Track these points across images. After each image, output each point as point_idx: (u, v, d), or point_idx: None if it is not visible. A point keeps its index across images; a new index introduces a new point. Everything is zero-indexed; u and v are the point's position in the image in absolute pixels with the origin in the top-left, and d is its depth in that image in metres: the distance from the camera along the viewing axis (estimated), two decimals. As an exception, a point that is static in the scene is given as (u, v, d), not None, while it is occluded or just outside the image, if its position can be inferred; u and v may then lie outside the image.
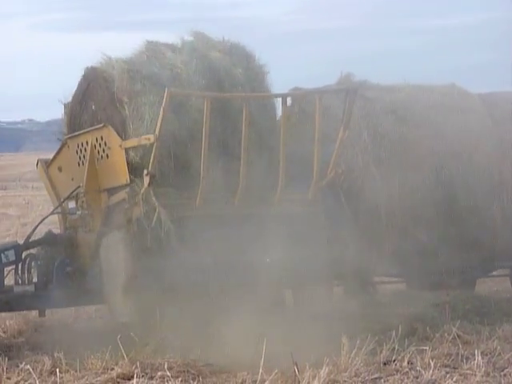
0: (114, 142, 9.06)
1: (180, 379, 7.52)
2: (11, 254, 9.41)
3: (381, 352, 8.12)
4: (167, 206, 8.81)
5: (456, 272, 10.59)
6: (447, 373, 7.64)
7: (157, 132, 8.61)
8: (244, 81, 9.72)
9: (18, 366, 7.93)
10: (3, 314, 10.02)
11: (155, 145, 8.60)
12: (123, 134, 9.05)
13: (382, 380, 7.54)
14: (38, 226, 10.25)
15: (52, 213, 10.24)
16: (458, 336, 8.96)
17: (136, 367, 7.71)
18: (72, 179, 9.77)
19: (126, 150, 8.95)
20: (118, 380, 7.68)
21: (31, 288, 9.41)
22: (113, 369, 7.87)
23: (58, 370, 7.51)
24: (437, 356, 8.14)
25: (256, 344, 7.67)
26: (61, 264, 9.41)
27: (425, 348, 8.25)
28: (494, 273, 11.89)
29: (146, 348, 8.36)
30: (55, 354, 8.21)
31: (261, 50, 9.99)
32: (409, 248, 10.43)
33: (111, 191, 9.30)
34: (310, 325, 8.92)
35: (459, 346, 8.68)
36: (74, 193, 9.58)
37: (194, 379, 7.59)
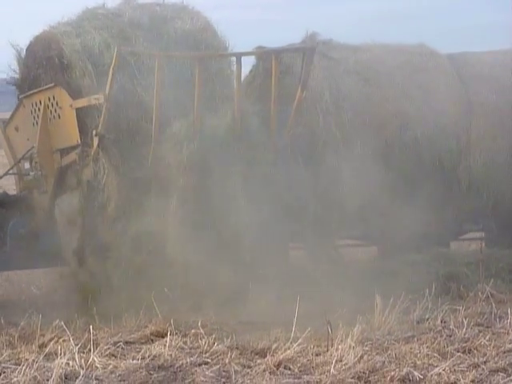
0: (64, 102, 8.92)
1: (213, 336, 7.49)
2: None
3: (414, 311, 8.11)
4: (118, 167, 8.71)
5: (421, 235, 10.07)
6: (480, 331, 7.58)
7: (106, 92, 8.44)
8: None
9: (51, 323, 7.97)
10: (38, 271, 10.15)
11: (105, 105, 8.46)
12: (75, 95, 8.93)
13: (415, 338, 7.46)
14: (-8, 187, 10.16)
15: (6, 173, 10.03)
16: (491, 295, 8.92)
17: (170, 325, 7.72)
18: (27, 139, 9.62)
19: (78, 110, 8.82)
20: (152, 337, 7.67)
21: None
22: (146, 326, 7.91)
23: (91, 326, 7.53)
24: (470, 315, 8.13)
25: (290, 303, 7.72)
26: (15, 225, 9.22)
27: (458, 307, 8.25)
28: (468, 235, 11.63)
29: (179, 306, 8.42)
30: (89, 312, 8.37)
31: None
32: (371, 210, 10.08)
33: (63, 152, 9.19)
34: (343, 284, 8.90)
35: (492, 304, 8.60)
36: (29, 153, 9.45)
37: (227, 337, 7.56)
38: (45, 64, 9.32)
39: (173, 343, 7.16)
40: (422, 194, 10.05)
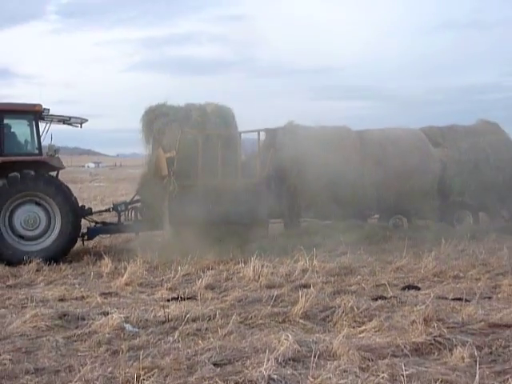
0: (161, 154, 16.92)
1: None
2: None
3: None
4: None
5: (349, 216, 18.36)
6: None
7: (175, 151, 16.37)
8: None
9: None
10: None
11: (176, 156, 16.20)
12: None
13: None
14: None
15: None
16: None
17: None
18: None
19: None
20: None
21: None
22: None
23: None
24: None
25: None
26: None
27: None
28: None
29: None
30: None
31: None
32: (320, 202, 18.13)
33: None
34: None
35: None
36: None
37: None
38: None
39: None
40: (346, 195, 18.23)
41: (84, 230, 16.30)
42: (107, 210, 17.96)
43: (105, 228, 16.89)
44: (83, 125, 16.78)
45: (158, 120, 17.61)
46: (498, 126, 21.41)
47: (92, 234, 16.58)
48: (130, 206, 17.17)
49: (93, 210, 16.95)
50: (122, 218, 17.18)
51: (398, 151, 19.19)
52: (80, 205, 16.17)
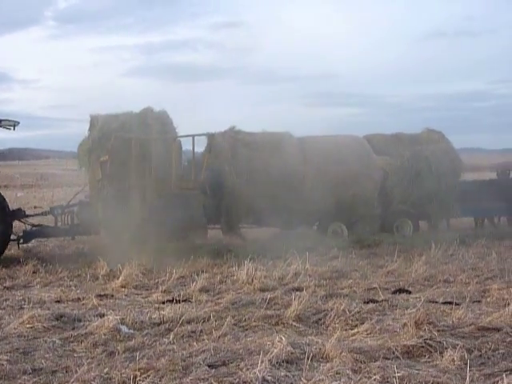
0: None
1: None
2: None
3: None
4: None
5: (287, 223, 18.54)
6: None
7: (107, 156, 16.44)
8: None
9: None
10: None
11: (109, 160, 16.14)
12: None
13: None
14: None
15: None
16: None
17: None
18: None
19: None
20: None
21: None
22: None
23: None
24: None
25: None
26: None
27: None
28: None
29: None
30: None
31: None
32: (259, 209, 17.92)
33: None
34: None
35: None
36: None
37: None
38: None
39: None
40: (286, 202, 18.24)
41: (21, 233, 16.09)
42: (43, 214, 17.30)
43: (41, 231, 16.37)
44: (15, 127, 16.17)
45: (99, 127, 17.48)
46: (443, 134, 21.28)
47: (27, 237, 16.25)
48: (66, 210, 16.76)
49: (32, 214, 16.85)
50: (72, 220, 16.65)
51: (339, 158, 18.94)
52: (17, 208, 16.12)
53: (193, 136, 16.92)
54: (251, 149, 18.56)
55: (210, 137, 17.99)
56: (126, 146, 16.17)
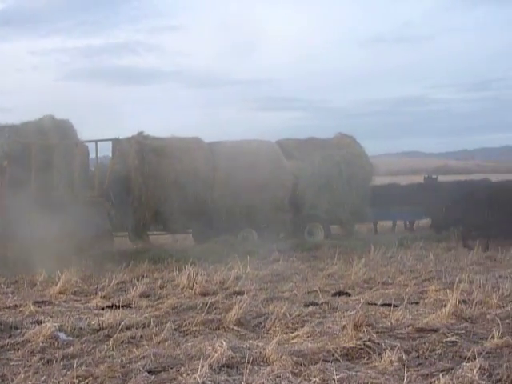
0: None
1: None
2: None
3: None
4: None
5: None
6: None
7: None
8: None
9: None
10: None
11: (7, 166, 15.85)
12: None
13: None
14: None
15: None
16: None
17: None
18: None
19: None
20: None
21: None
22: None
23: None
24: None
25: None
26: None
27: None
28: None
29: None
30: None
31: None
32: (168, 215, 17.88)
33: None
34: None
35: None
36: None
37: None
38: None
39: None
40: (195, 208, 18.21)
41: None
42: None
43: None
44: None
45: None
46: (354, 139, 21.40)
47: None
48: None
49: None
50: None
51: (249, 163, 18.78)
52: None
53: (96, 141, 16.67)
54: (159, 154, 18.31)
55: (115, 142, 17.58)
56: (25, 151, 15.75)
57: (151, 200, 17.92)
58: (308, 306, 9.88)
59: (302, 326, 8.40)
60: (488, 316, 8.94)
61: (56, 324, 8.53)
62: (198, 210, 18.22)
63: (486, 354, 7.14)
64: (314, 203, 19.99)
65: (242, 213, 18.74)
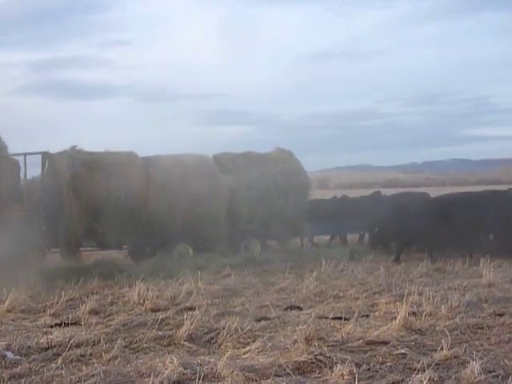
0: None
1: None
2: None
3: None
4: None
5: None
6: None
7: None
8: None
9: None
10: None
11: None
12: None
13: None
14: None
15: None
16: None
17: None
18: None
19: None
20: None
21: None
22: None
23: None
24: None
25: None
26: None
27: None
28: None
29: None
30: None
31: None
32: (101, 230, 17.70)
33: None
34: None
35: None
36: None
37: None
38: None
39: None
40: (128, 223, 17.86)
41: None
42: None
43: None
44: None
45: None
46: (292, 154, 21.19)
47: None
48: None
49: None
50: None
51: (184, 178, 18.65)
52: None
53: (24, 154, 16.41)
54: (91, 169, 17.97)
55: (45, 156, 17.26)
56: None
57: (83, 216, 17.52)
58: (260, 320, 9.87)
59: (254, 341, 8.38)
60: (437, 327, 9.05)
61: (3, 343, 8.38)
62: (132, 226, 17.94)
63: (436, 365, 7.23)
64: (251, 218, 19.73)
65: (176, 228, 18.48)
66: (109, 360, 7.72)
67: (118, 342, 8.33)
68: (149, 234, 18.35)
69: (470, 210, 17.80)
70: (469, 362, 7.05)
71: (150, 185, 18.51)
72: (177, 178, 18.60)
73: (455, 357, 7.53)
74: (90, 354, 7.97)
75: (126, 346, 8.37)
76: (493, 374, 6.92)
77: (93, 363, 7.62)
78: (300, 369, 7.21)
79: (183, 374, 6.92)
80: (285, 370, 7.12)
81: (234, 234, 19.44)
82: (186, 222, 18.52)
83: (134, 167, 18.51)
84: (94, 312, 10.90)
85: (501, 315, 9.87)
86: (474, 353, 7.51)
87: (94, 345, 8.41)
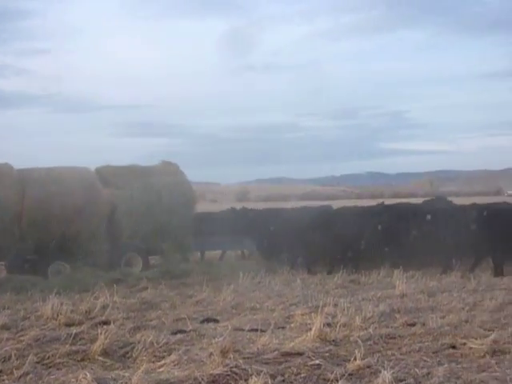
0: None
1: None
2: None
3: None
4: None
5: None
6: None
7: None
8: None
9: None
10: None
11: None
12: None
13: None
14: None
15: None
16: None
17: None
18: None
19: None
20: None
21: None
22: None
23: None
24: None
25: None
26: None
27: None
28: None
29: None
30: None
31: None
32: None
33: None
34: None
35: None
36: None
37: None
38: None
39: None
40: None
41: None
42: None
43: None
44: None
45: None
46: (178, 166, 21.01)
47: None
48: None
49: None
50: None
51: (61, 191, 18.03)
52: None
53: None
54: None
55: None
56: None
57: None
58: (176, 333, 9.84)
59: (170, 354, 8.35)
60: (351, 338, 9.20)
61: None
62: (6, 241, 17.21)
63: (349, 375, 7.36)
64: (133, 232, 19.40)
65: (53, 244, 17.80)
66: (20, 376, 7.56)
67: (30, 357, 8.16)
68: (24, 250, 17.69)
69: (353, 222, 18.11)
70: (381, 372, 7.20)
71: (25, 199, 17.71)
72: (54, 191, 17.95)
73: (368, 366, 7.68)
74: (1, 371, 7.80)
75: (38, 362, 8.20)
76: (403, 382, 7.10)
77: (3, 380, 7.45)
78: (215, 381, 7.22)
79: (97, 389, 6.84)
80: (200, 383, 7.12)
81: (115, 250, 18.91)
82: (63, 237, 17.94)
83: (7, 180, 17.66)
84: (5, 327, 10.65)
85: (412, 325, 10.12)
86: (386, 362, 7.69)
87: (4, 361, 8.22)
